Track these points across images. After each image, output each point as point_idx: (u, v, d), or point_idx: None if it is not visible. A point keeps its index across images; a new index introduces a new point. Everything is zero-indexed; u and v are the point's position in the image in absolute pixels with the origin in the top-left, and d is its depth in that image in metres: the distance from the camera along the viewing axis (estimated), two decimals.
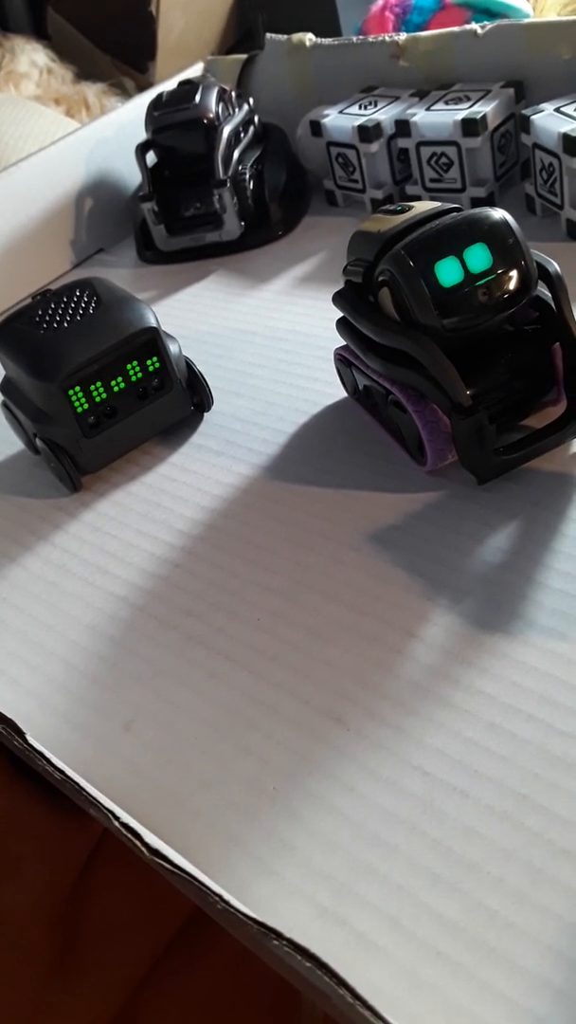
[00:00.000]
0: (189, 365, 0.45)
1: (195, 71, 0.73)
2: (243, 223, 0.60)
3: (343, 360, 0.43)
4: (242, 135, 0.63)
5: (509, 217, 0.35)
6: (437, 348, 0.34)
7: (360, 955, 0.24)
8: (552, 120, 0.50)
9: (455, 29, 0.58)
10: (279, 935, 0.21)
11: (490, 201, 0.55)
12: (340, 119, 0.59)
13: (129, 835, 0.24)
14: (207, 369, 0.46)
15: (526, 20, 0.60)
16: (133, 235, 0.66)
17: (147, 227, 0.62)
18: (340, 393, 0.45)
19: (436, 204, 0.37)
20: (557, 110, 0.51)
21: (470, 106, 0.54)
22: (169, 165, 0.62)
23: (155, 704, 0.33)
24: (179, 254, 0.62)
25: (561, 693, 0.29)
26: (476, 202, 0.56)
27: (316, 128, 0.61)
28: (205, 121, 0.59)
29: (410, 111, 0.56)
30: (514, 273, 0.34)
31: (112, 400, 0.42)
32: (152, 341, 0.42)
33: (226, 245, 0.61)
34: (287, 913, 0.25)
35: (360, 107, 0.60)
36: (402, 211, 0.38)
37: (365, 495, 0.38)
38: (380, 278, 0.36)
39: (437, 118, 0.54)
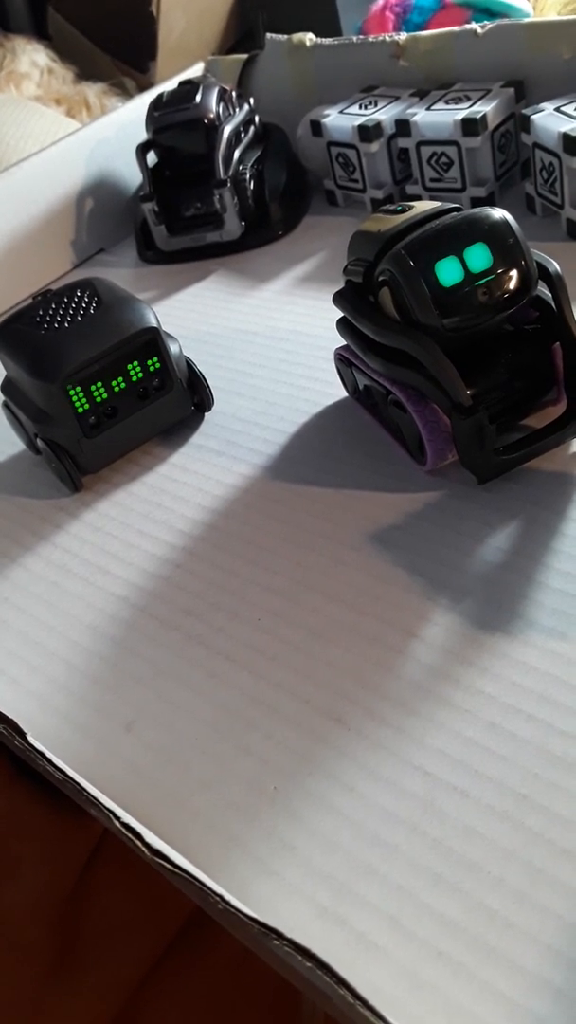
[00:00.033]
0: (190, 365, 0.45)
1: (196, 71, 0.73)
2: (244, 223, 0.60)
3: (343, 360, 0.43)
4: (243, 135, 0.63)
5: (509, 217, 0.35)
6: (437, 348, 0.34)
7: (360, 955, 0.24)
8: (552, 120, 0.50)
9: (455, 29, 0.58)
10: (280, 935, 0.21)
11: (490, 201, 0.55)
12: (340, 119, 0.59)
13: (130, 835, 0.24)
14: (208, 369, 0.46)
15: (526, 20, 0.60)
16: (134, 235, 0.66)
17: (148, 227, 0.62)
18: (340, 393, 0.45)
19: (436, 204, 0.37)
20: (557, 110, 0.51)
21: (470, 106, 0.54)
22: (170, 165, 0.62)
23: (156, 704, 0.33)
24: (180, 254, 0.62)
25: (561, 693, 0.29)
26: (476, 202, 0.56)
27: (316, 128, 0.61)
28: (206, 121, 0.59)
29: (410, 111, 0.56)
30: (514, 273, 0.34)
31: (113, 400, 0.42)
32: (153, 341, 0.42)
33: (227, 245, 0.61)
34: (287, 913, 0.25)
35: (360, 107, 0.60)
36: (402, 211, 0.38)
37: (366, 495, 0.39)
38: (380, 278, 0.36)
39: (437, 118, 0.54)
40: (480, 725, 0.29)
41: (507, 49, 0.56)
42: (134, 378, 0.42)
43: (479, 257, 0.34)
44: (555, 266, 0.35)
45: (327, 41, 0.64)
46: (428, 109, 0.56)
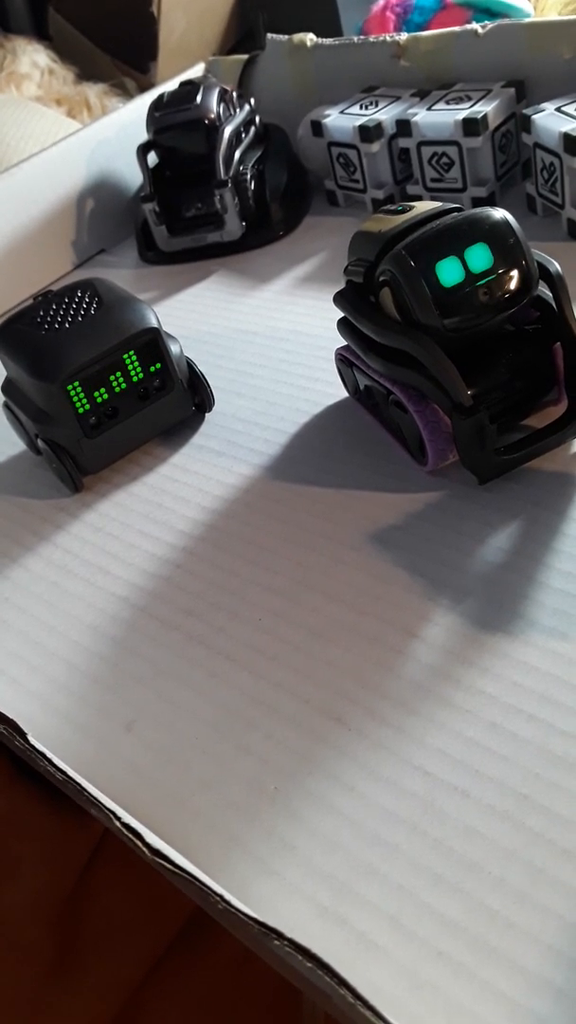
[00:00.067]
0: (190, 365, 0.45)
1: (196, 71, 0.73)
2: (244, 223, 0.60)
3: (344, 360, 0.43)
4: (243, 135, 0.63)
5: (510, 217, 0.35)
6: (438, 348, 0.34)
7: (361, 955, 0.24)
8: (553, 120, 0.50)
9: (456, 29, 0.58)
10: (280, 935, 0.21)
11: (491, 201, 0.55)
12: (341, 119, 0.59)
13: (130, 835, 0.24)
14: (208, 369, 0.46)
15: (527, 20, 0.60)
16: (134, 236, 0.66)
17: (148, 228, 0.62)
18: (341, 393, 0.45)
19: (437, 204, 0.37)
20: (558, 110, 0.51)
21: (471, 106, 0.54)
22: (170, 165, 0.62)
23: (156, 704, 0.33)
24: (180, 254, 0.62)
25: (562, 693, 0.29)
26: (477, 202, 0.56)
27: (317, 128, 0.61)
28: (206, 121, 0.59)
29: (411, 111, 0.56)
30: (515, 273, 0.34)
31: (113, 400, 0.42)
32: (153, 341, 0.42)
33: (227, 245, 0.61)
34: (288, 913, 0.25)
35: (361, 107, 0.60)
36: (403, 211, 0.38)
37: (366, 495, 0.38)
38: (381, 278, 0.36)
39: (438, 118, 0.54)
40: (481, 725, 0.29)
41: (508, 49, 0.56)
42: (135, 378, 0.42)
43: (480, 257, 0.34)
44: (556, 266, 0.35)
45: (328, 41, 0.64)
46: (429, 109, 0.56)
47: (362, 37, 0.64)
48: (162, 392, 0.43)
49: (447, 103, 0.56)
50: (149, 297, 0.59)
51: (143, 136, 0.63)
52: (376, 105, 0.59)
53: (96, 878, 0.33)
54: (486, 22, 0.58)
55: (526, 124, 0.51)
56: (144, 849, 0.24)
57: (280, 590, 0.35)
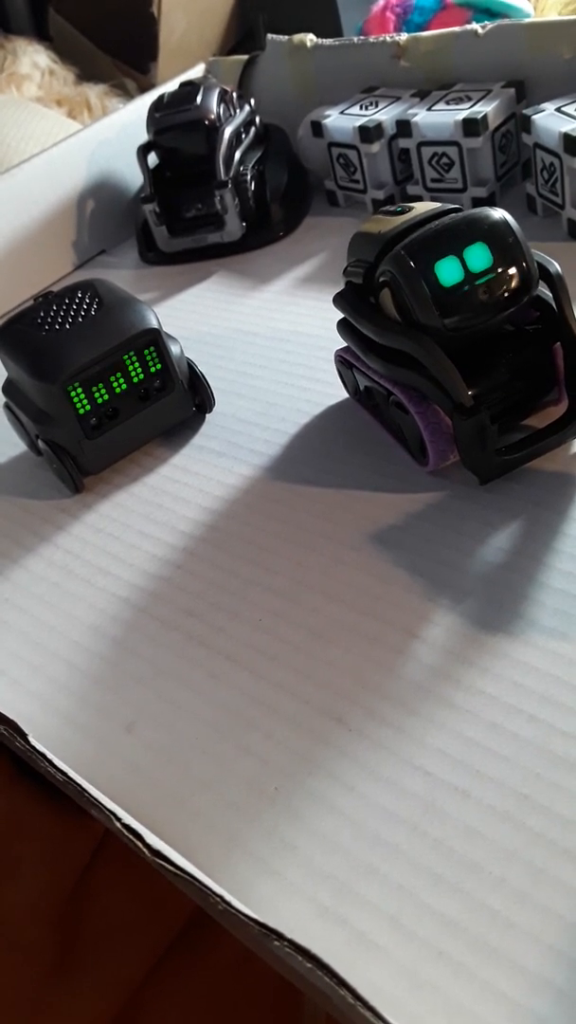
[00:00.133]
0: (191, 366, 0.45)
1: (196, 72, 0.73)
2: (244, 224, 0.60)
3: (344, 362, 0.43)
4: (243, 136, 0.63)
5: (508, 216, 0.35)
6: (438, 348, 0.34)
7: (361, 955, 0.24)
8: (553, 120, 0.50)
9: (456, 29, 0.58)
10: (280, 936, 0.21)
11: (491, 201, 0.55)
12: (341, 119, 0.59)
13: (131, 836, 0.24)
14: (209, 370, 0.46)
15: (527, 20, 0.60)
16: (135, 236, 0.66)
17: (149, 228, 0.62)
18: (341, 393, 0.45)
19: (436, 205, 0.37)
20: (558, 110, 0.51)
21: (471, 106, 0.54)
22: (171, 166, 0.62)
23: (156, 704, 0.33)
24: (181, 255, 0.62)
25: (563, 693, 0.29)
26: (477, 202, 0.56)
27: (317, 129, 0.61)
28: (206, 122, 0.59)
29: (411, 111, 0.56)
30: (514, 271, 0.34)
31: (114, 401, 0.42)
32: (154, 342, 0.42)
33: (227, 246, 0.61)
34: (288, 913, 0.25)
35: (361, 107, 0.60)
36: (402, 212, 0.38)
37: (366, 495, 0.39)
38: (381, 279, 0.36)
39: (438, 118, 0.54)
40: (481, 725, 0.29)
41: (508, 49, 0.56)
42: (135, 379, 0.42)
43: (479, 257, 0.34)
44: (556, 266, 0.35)
45: (328, 42, 0.64)
46: (429, 109, 0.56)
47: (362, 37, 0.64)
48: (163, 393, 0.43)
49: (447, 103, 0.56)
50: (149, 298, 0.59)
51: (143, 137, 0.63)
52: (376, 105, 0.59)
53: (97, 878, 0.33)
54: (486, 22, 0.58)
55: (526, 124, 0.51)
56: (144, 850, 0.24)
57: (280, 590, 0.35)
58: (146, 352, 0.42)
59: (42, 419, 0.42)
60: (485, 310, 0.34)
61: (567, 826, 0.25)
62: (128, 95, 0.97)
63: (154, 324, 0.42)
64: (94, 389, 0.41)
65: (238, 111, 0.63)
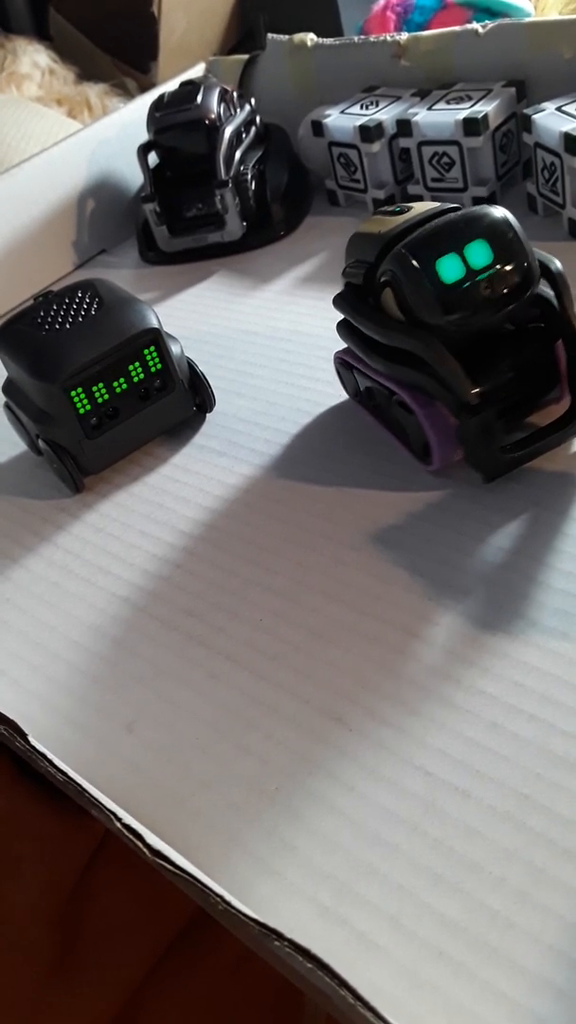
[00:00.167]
0: (191, 366, 0.45)
1: (197, 71, 0.73)
2: (245, 223, 0.60)
3: (343, 363, 0.43)
4: (244, 135, 0.63)
5: (508, 213, 0.35)
6: (442, 346, 0.34)
7: (361, 955, 0.24)
8: (553, 119, 0.50)
9: (456, 28, 0.58)
10: (280, 936, 0.21)
11: (492, 200, 0.55)
12: (342, 119, 0.59)
13: (131, 836, 0.24)
14: (209, 370, 0.46)
15: (527, 19, 0.60)
16: (135, 236, 0.66)
17: (149, 228, 0.62)
18: (342, 393, 0.45)
19: (435, 204, 0.37)
20: (558, 109, 0.51)
21: (471, 105, 0.54)
22: (171, 166, 0.62)
23: (156, 704, 0.33)
24: (181, 255, 0.62)
25: (563, 693, 0.29)
26: (478, 201, 0.55)
27: (318, 128, 0.61)
28: (207, 122, 0.59)
29: (411, 111, 0.56)
30: (515, 267, 0.34)
31: (114, 401, 0.42)
32: (154, 342, 0.42)
33: (228, 245, 0.61)
34: (288, 913, 0.25)
35: (362, 107, 0.60)
36: (401, 212, 0.38)
37: (367, 495, 0.38)
38: (383, 279, 0.36)
39: (438, 118, 0.54)
40: (481, 725, 0.29)
41: (508, 49, 0.56)
42: (135, 379, 0.42)
43: (479, 253, 0.34)
44: (557, 264, 0.35)
45: (328, 41, 0.64)
46: (429, 109, 0.56)
47: (362, 37, 0.64)
48: (163, 392, 0.43)
49: (447, 103, 0.56)
50: (150, 297, 0.59)
51: (144, 136, 0.63)
52: (376, 105, 0.59)
53: (97, 878, 0.33)
54: (486, 22, 0.58)
55: (527, 124, 0.51)
56: (145, 850, 0.24)
57: (280, 590, 0.35)
58: (146, 352, 0.42)
59: (42, 419, 0.42)
60: (487, 306, 0.34)
61: (567, 826, 0.25)
62: (128, 95, 0.97)
63: (154, 324, 0.42)
64: (94, 389, 0.41)
65: (238, 111, 0.63)
